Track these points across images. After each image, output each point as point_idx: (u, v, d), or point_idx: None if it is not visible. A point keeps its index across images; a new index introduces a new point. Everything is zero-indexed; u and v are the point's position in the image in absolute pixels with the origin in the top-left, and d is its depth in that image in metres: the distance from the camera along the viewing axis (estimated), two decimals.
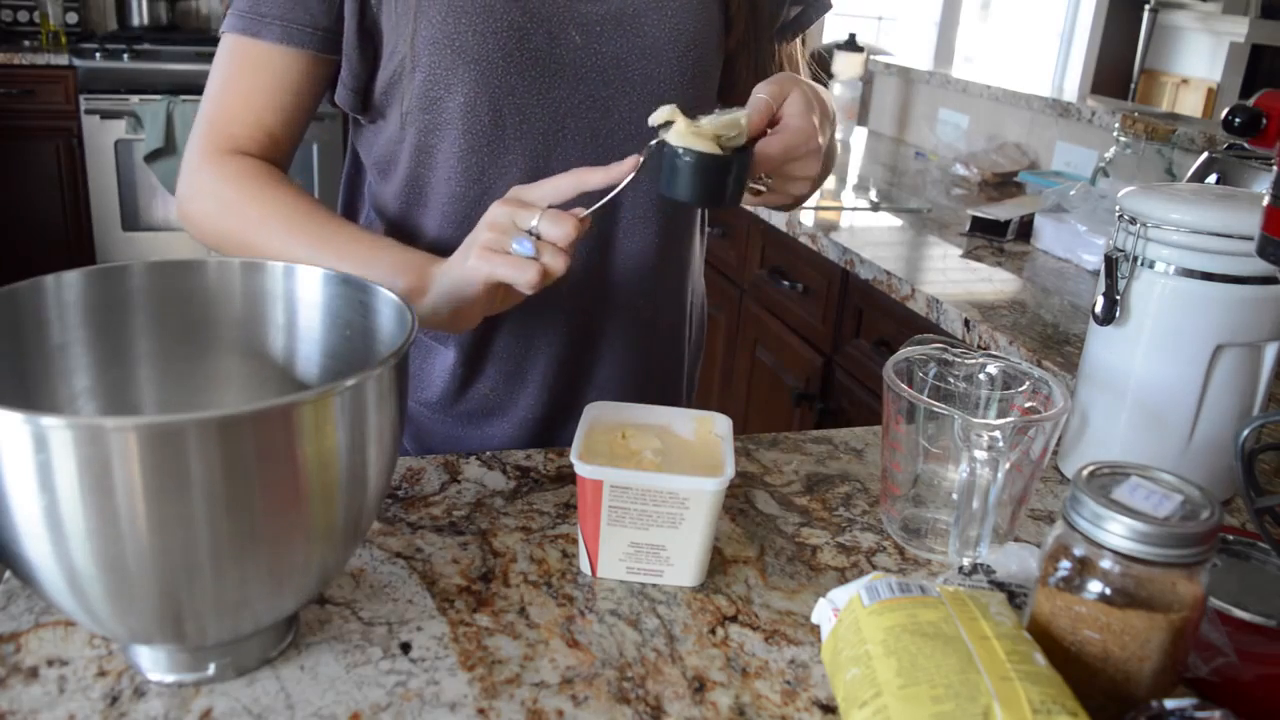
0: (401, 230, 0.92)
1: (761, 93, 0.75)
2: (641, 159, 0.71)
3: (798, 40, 0.99)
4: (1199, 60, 5.04)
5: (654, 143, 0.72)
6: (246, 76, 0.84)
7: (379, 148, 0.90)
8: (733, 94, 0.96)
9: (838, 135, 3.03)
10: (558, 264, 0.71)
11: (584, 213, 0.73)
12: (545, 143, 0.85)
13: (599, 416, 0.75)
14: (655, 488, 0.66)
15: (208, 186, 0.84)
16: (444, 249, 0.88)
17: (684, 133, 0.70)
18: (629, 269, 0.93)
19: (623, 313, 0.95)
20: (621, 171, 0.71)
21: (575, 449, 0.68)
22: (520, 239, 0.71)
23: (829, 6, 0.97)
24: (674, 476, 0.67)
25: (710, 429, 0.75)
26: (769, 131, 0.74)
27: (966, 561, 0.68)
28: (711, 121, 0.71)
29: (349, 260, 0.78)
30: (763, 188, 0.80)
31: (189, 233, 0.88)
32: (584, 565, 0.70)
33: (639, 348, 0.98)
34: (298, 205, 0.83)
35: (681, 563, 0.69)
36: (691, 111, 0.72)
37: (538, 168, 0.85)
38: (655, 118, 0.71)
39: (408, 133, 0.86)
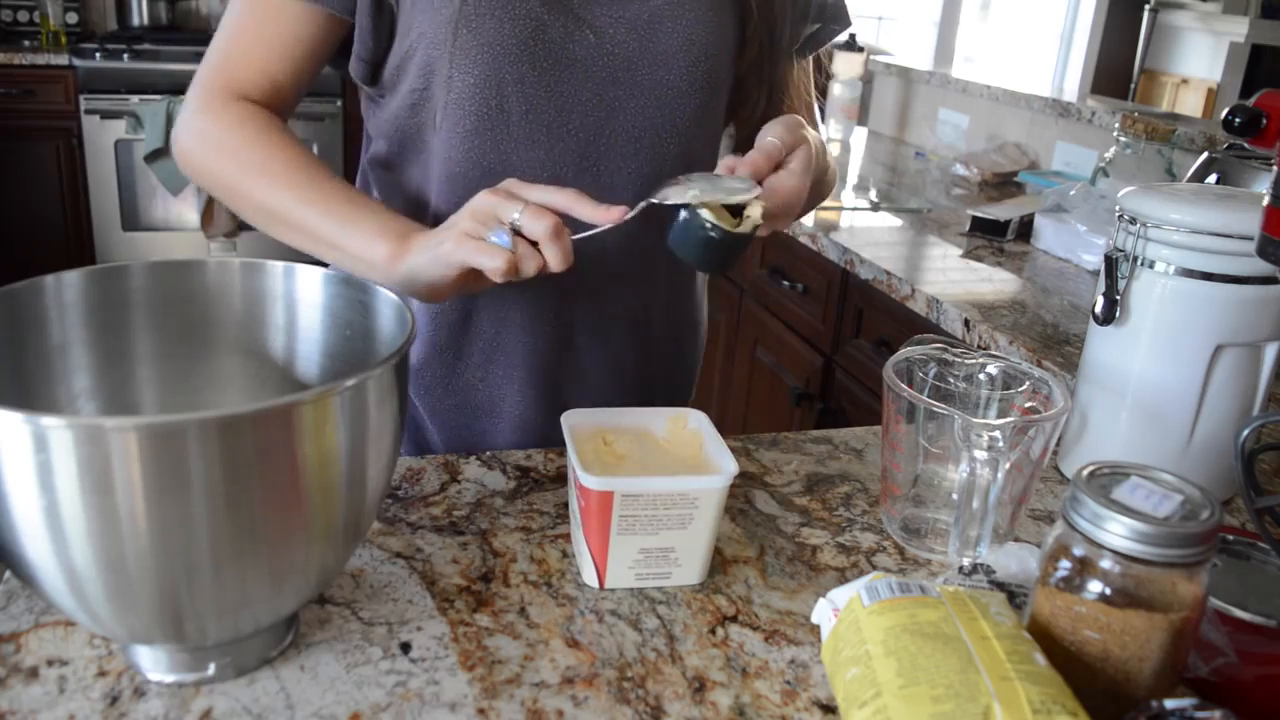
0: (401, 207, 0.92)
1: (773, 137, 0.77)
2: (630, 212, 0.72)
3: (809, 59, 1.00)
4: (1199, 60, 5.04)
5: (670, 204, 0.73)
6: (260, 24, 0.84)
7: (384, 121, 0.90)
8: (742, 110, 0.97)
9: (838, 136, 2.97)
10: (529, 264, 0.72)
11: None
12: (549, 135, 0.85)
13: (577, 425, 0.74)
14: (666, 491, 0.66)
15: (206, 128, 0.85)
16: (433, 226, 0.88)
17: (713, 209, 0.72)
18: (618, 271, 0.93)
19: (607, 313, 0.94)
20: (609, 216, 0.72)
21: (574, 462, 0.67)
22: (499, 231, 0.72)
23: (848, 24, 0.98)
24: (684, 478, 0.67)
25: (683, 425, 0.75)
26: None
27: (966, 561, 0.68)
28: (720, 196, 0.73)
29: (331, 218, 0.79)
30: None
31: (181, 168, 0.89)
32: (588, 578, 0.69)
33: (630, 351, 0.97)
34: (292, 158, 0.83)
35: (689, 562, 0.69)
36: (692, 166, 0.73)
37: (538, 158, 0.86)
38: (675, 197, 0.73)
39: (416, 109, 0.86)
